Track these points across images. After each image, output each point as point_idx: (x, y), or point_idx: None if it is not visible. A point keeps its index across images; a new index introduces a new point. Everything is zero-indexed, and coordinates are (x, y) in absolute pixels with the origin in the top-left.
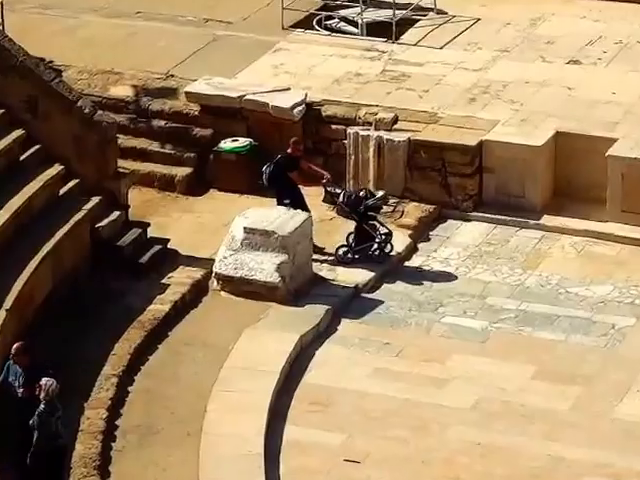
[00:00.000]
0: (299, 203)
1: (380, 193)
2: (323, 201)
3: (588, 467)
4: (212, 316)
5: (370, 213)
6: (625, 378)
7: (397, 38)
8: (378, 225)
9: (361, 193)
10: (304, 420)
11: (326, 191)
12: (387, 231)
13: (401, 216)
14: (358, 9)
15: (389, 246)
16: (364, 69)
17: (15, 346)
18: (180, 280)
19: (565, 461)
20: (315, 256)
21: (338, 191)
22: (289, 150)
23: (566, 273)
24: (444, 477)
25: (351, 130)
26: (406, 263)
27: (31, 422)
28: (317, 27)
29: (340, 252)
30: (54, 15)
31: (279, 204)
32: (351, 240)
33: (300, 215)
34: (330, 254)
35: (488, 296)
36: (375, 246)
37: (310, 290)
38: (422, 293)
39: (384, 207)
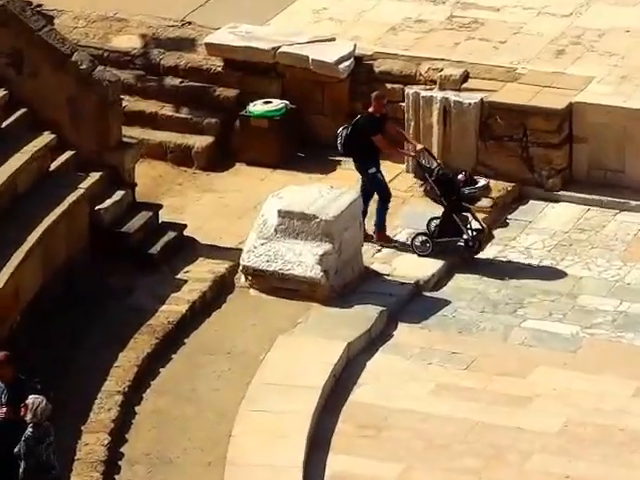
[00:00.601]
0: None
1: (482, 182)
2: (415, 176)
3: None
4: (239, 319)
5: (464, 203)
6: None
7: None
8: (470, 218)
9: (459, 176)
10: (352, 447)
11: (418, 163)
12: (479, 227)
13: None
14: None
15: (477, 244)
16: (426, 15)
17: None
18: (199, 275)
19: None
20: (366, 245)
21: (432, 166)
22: (371, 108)
23: None
24: None
25: (410, 90)
26: (478, 254)
27: (16, 450)
28: None
29: (417, 241)
30: None
31: (363, 176)
32: (432, 227)
33: (347, 194)
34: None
35: (580, 294)
36: (461, 243)
37: (360, 287)
38: (498, 291)
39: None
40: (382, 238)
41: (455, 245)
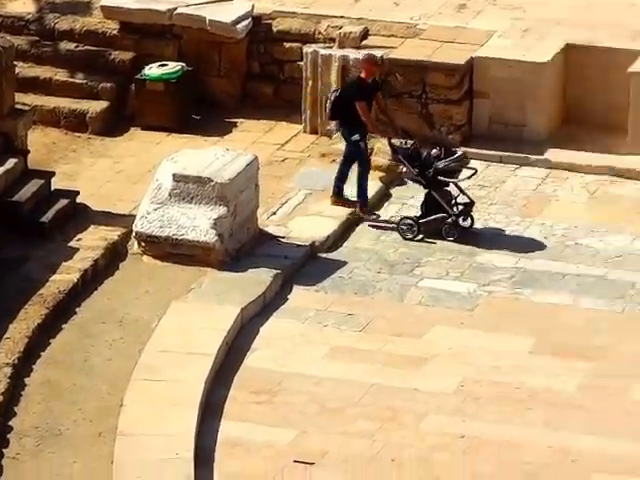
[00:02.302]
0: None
1: (458, 152)
2: (391, 159)
3: (599, 461)
4: (131, 287)
5: (441, 178)
6: None
7: None
8: (457, 192)
9: (433, 151)
10: (245, 414)
11: (390, 144)
12: (467, 200)
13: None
14: None
15: (469, 219)
16: None
17: None
18: (91, 243)
19: (570, 454)
20: (261, 209)
21: (405, 146)
22: (362, 73)
23: (576, 221)
24: (419, 479)
25: (309, 49)
26: (376, 213)
27: None
28: None
29: (403, 225)
30: None
31: (347, 141)
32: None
33: (243, 157)
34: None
35: (478, 252)
36: (449, 219)
37: (254, 250)
38: (395, 251)
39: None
40: (364, 210)
41: (443, 222)
